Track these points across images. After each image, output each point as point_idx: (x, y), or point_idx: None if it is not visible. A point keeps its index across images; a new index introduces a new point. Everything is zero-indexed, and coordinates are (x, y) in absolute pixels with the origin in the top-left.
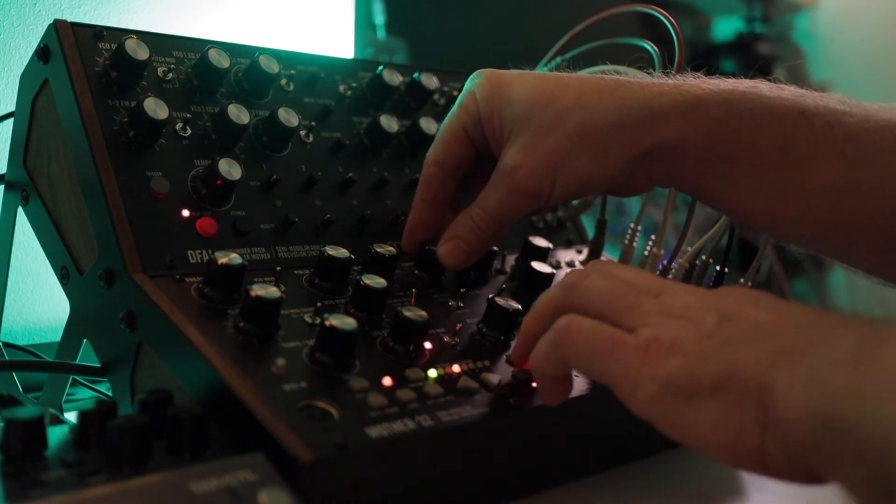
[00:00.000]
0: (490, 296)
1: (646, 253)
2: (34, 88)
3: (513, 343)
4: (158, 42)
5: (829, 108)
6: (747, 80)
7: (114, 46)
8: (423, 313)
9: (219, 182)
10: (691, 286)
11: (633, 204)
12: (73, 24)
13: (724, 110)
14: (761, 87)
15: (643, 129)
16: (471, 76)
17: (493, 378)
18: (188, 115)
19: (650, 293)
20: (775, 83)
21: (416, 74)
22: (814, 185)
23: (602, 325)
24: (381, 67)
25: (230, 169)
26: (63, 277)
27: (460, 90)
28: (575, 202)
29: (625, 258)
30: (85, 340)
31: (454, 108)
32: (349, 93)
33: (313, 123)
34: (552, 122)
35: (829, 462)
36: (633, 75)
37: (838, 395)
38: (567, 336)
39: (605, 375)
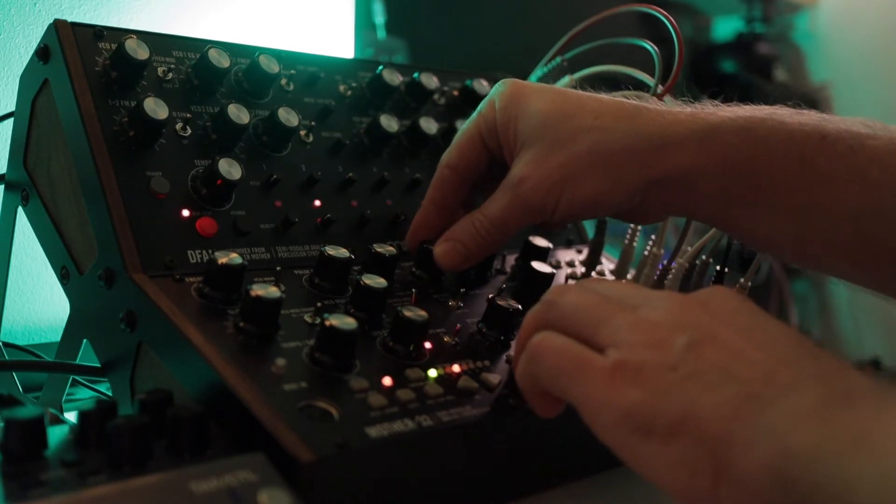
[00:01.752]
0: (490, 296)
1: (646, 253)
2: (34, 88)
3: (512, 343)
4: (158, 42)
5: (851, 132)
6: (766, 107)
7: (114, 46)
8: (423, 313)
9: (219, 182)
10: (674, 294)
11: None
12: (73, 24)
13: (741, 137)
14: (780, 112)
15: (657, 155)
16: (496, 84)
17: (493, 378)
18: (188, 115)
19: (627, 306)
20: (795, 108)
21: (416, 74)
22: (838, 209)
23: (572, 344)
24: (381, 67)
25: (230, 169)
26: (63, 277)
27: (460, 90)
28: None
29: (625, 258)
30: (85, 340)
31: (474, 113)
32: (349, 93)
33: (313, 123)
34: (565, 138)
35: None
36: (654, 101)
37: (796, 454)
38: (537, 353)
39: (571, 396)
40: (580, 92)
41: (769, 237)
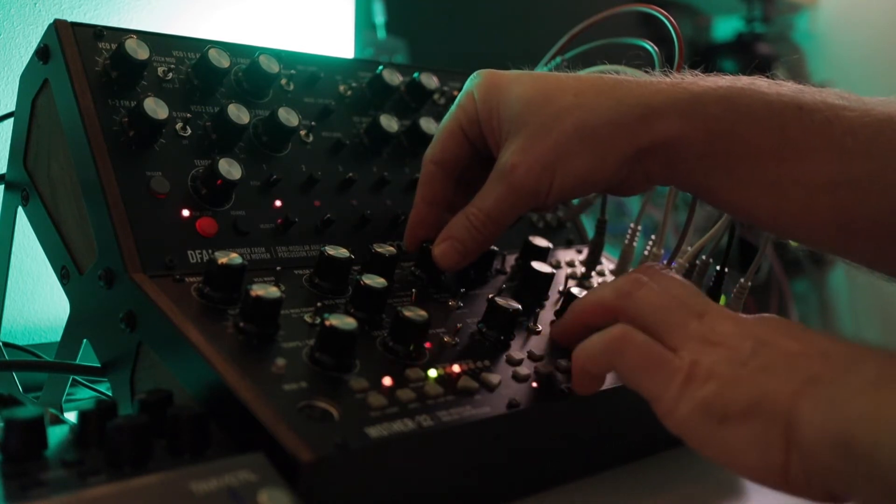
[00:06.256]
0: (490, 296)
1: (646, 253)
2: (34, 88)
3: (512, 343)
4: (158, 42)
5: (827, 104)
6: (745, 77)
7: (114, 46)
8: (423, 313)
9: (219, 182)
10: (730, 311)
11: (633, 204)
12: (74, 24)
13: (722, 107)
14: (759, 83)
15: (641, 126)
16: (471, 76)
17: (493, 378)
18: (188, 115)
19: (695, 313)
20: (773, 80)
21: (416, 74)
22: (814, 180)
23: (653, 344)
24: (381, 67)
25: (230, 169)
26: (63, 277)
27: (460, 90)
28: (575, 202)
29: (625, 258)
30: (85, 340)
31: (452, 107)
32: (349, 93)
33: (313, 123)
34: (550, 120)
35: (847, 483)
36: (631, 74)
37: (855, 420)
38: (620, 345)
39: (648, 390)
40: (557, 73)
41: (748, 208)
